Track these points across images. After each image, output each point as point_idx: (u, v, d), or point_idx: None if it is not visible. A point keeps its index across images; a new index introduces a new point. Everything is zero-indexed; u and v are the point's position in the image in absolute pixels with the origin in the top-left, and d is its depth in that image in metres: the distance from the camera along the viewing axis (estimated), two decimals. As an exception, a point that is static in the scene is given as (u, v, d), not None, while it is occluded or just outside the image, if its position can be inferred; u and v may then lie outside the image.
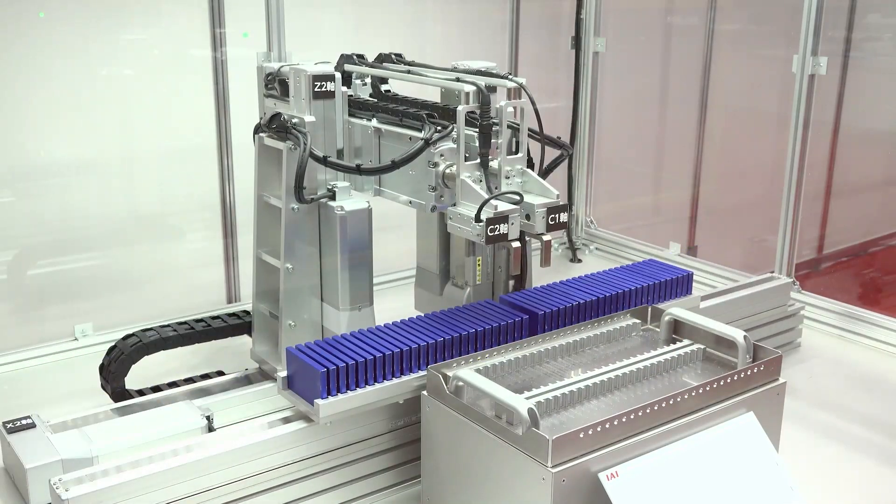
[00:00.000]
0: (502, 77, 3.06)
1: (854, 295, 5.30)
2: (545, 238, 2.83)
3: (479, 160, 2.91)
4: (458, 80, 3.03)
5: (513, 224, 2.74)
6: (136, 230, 4.18)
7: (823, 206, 5.75)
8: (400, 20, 4.93)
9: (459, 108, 2.84)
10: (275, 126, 3.12)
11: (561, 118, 5.38)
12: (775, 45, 5.23)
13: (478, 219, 2.71)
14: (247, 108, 4.11)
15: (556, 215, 2.82)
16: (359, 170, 3.01)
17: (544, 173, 3.24)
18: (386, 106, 3.24)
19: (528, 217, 2.82)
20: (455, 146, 2.95)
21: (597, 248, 5.45)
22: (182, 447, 2.57)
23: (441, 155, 2.97)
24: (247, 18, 4.15)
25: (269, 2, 3.97)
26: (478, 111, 2.91)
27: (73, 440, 2.74)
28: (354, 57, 3.47)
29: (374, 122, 3.25)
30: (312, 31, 4.50)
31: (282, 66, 3.29)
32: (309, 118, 3.07)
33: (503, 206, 2.74)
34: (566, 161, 3.47)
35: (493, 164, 2.92)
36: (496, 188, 2.90)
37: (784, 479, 2.54)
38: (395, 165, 2.97)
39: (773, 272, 4.28)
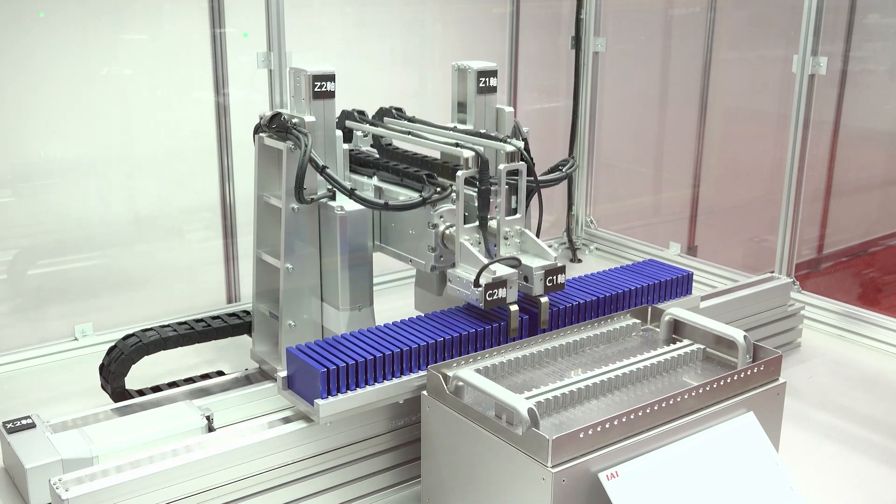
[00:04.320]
0: (501, 140, 3.13)
1: (854, 295, 5.30)
2: (543, 300, 2.92)
3: (478, 223, 3.00)
4: (457, 145, 3.08)
5: (511, 288, 2.82)
6: (136, 230, 4.18)
7: (823, 206, 5.75)
8: (400, 20, 4.93)
9: (458, 173, 2.91)
10: (275, 126, 3.12)
11: (561, 118, 5.38)
12: (775, 45, 5.23)
13: (477, 284, 2.79)
14: (247, 109, 4.12)
15: (555, 277, 2.91)
16: (351, 193, 3.02)
17: (545, 173, 3.27)
18: (387, 164, 3.30)
19: (525, 279, 2.91)
20: (454, 207, 3.04)
21: (597, 248, 5.45)
22: (182, 447, 2.57)
23: (441, 216, 3.06)
24: (247, 18, 4.16)
25: (269, 2, 3.97)
26: (477, 175, 2.97)
27: (73, 440, 2.74)
28: (355, 113, 3.51)
29: (375, 181, 3.31)
30: (312, 31, 4.51)
31: (282, 114, 3.21)
32: (309, 118, 3.07)
33: (502, 271, 2.82)
34: (566, 162, 3.48)
35: (493, 223, 3.00)
36: (495, 247, 2.99)
37: (784, 479, 2.54)
38: (388, 207, 3.03)
39: (773, 272, 4.28)
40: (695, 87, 5.51)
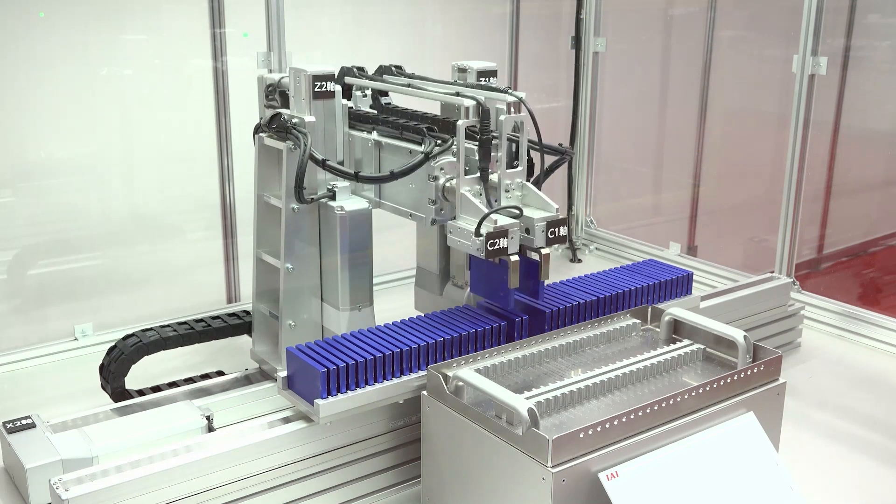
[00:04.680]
0: (502, 91, 3.07)
1: (854, 295, 5.29)
2: (544, 251, 2.85)
3: (479, 174, 2.93)
4: (457, 94, 3.01)
5: (512, 238, 2.76)
6: (136, 230, 4.18)
7: (823, 206, 5.75)
8: (400, 20, 4.93)
9: (459, 122, 2.85)
10: (275, 126, 3.12)
11: (561, 118, 5.38)
12: (775, 45, 5.23)
13: (478, 233, 2.73)
14: (247, 109, 4.11)
15: (556, 229, 2.83)
16: (356, 177, 3.01)
17: (545, 174, 3.24)
18: (386, 119, 3.25)
19: (527, 231, 2.83)
20: (454, 159, 2.98)
21: (597, 248, 5.45)
22: (182, 447, 2.57)
23: (441, 168, 3.00)
24: (247, 18, 4.16)
25: (269, 2, 3.97)
26: (477, 125, 2.92)
27: (73, 440, 2.74)
28: (354, 69, 3.46)
29: (375, 135, 3.27)
30: (312, 31, 4.51)
31: (282, 78, 3.28)
32: (309, 118, 3.07)
33: (503, 221, 2.76)
34: (566, 162, 3.47)
35: (493, 177, 2.94)
36: (496, 202, 2.92)
37: (784, 479, 2.54)
38: (393, 176, 2.99)
39: (773, 272, 4.28)
40: (695, 87, 5.51)
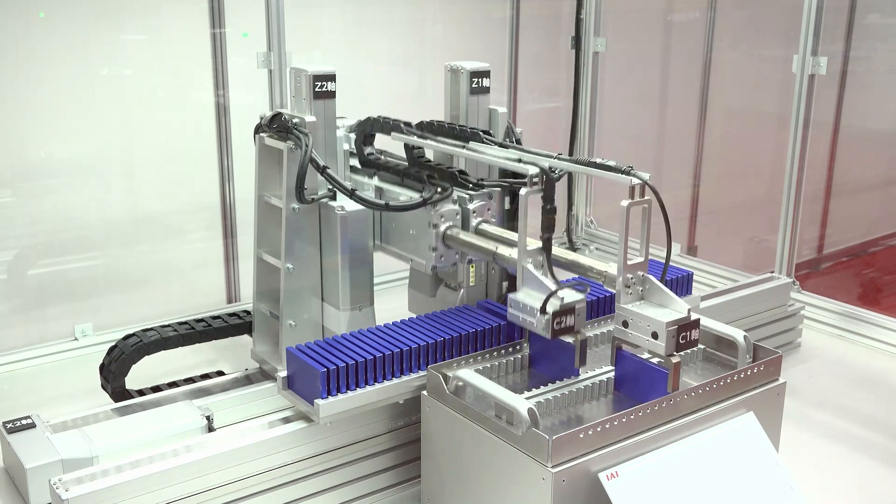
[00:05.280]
0: (623, 172, 2.65)
1: (854, 295, 5.30)
2: (674, 360, 2.47)
3: (541, 245, 2.70)
4: (520, 160, 2.77)
5: (579, 316, 2.58)
6: (136, 230, 4.18)
7: (823, 206, 5.75)
8: (400, 20, 4.93)
9: (522, 191, 2.62)
10: (276, 126, 3.12)
11: (561, 118, 5.38)
12: (775, 45, 5.23)
13: (543, 310, 2.55)
14: (246, 109, 4.12)
15: (688, 333, 2.47)
16: (351, 194, 3.01)
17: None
18: (387, 164, 3.28)
19: (654, 335, 2.47)
20: (455, 207, 3.05)
21: (597, 248, 5.44)
22: (182, 447, 2.57)
23: (442, 216, 3.03)
24: (247, 18, 4.16)
25: (269, 2, 3.97)
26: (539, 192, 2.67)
27: (73, 440, 2.74)
28: (402, 126, 3.21)
29: (376, 181, 3.30)
30: (312, 31, 4.51)
31: (282, 114, 3.17)
32: (310, 118, 3.07)
33: (570, 297, 2.57)
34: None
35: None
36: (556, 276, 2.73)
37: (784, 479, 2.54)
38: (388, 207, 3.02)
39: (773, 272, 4.28)
40: (695, 87, 5.52)
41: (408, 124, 3.25)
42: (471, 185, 3.17)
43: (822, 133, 5.48)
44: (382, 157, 3.43)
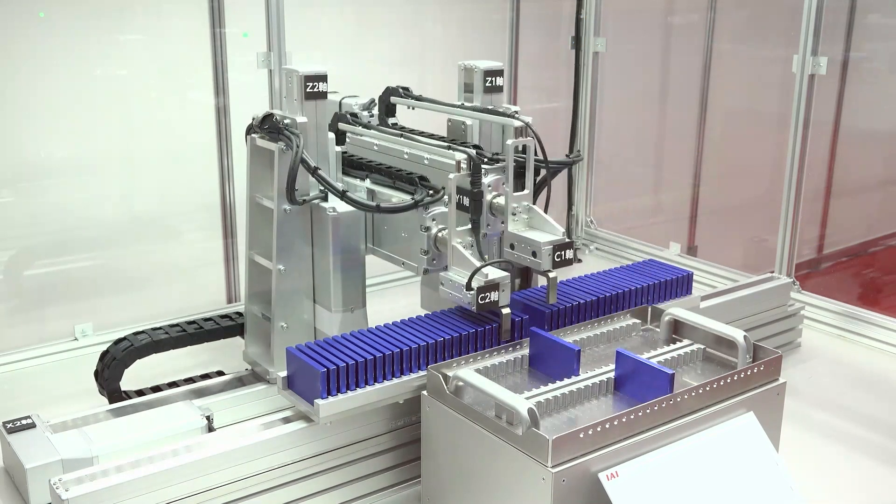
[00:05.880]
0: (509, 116, 3.11)
1: (854, 295, 5.30)
2: (551, 275, 2.87)
3: (470, 226, 2.95)
4: (449, 147, 3.06)
5: (503, 291, 2.79)
6: (136, 230, 4.18)
7: (823, 206, 5.76)
8: (400, 20, 4.93)
9: (451, 176, 2.89)
10: (267, 127, 3.12)
11: (561, 118, 5.38)
12: (775, 45, 5.23)
13: (469, 286, 2.77)
14: (246, 109, 4.11)
15: (563, 252, 2.86)
16: (343, 195, 3.01)
17: (550, 175, 3.26)
18: (380, 167, 3.29)
19: (534, 254, 2.87)
20: (446, 209, 3.02)
21: (597, 248, 5.45)
22: (182, 447, 2.57)
23: (433, 219, 3.04)
24: (247, 18, 4.16)
25: (269, 2, 3.97)
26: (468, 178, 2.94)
27: (73, 440, 2.74)
28: (347, 115, 3.46)
29: (368, 183, 3.30)
30: (312, 31, 4.51)
31: (274, 114, 3.21)
32: (301, 119, 3.06)
33: (494, 274, 2.78)
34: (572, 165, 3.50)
35: (500, 200, 2.97)
36: (486, 256, 2.98)
37: (784, 479, 2.54)
38: (379, 209, 3.03)
39: (773, 272, 4.28)
40: (695, 87, 5.52)
41: (406, 88, 3.54)
42: (485, 160, 3.18)
43: (822, 133, 5.48)
44: (356, 156, 3.47)
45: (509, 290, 2.82)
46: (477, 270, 2.78)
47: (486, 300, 2.77)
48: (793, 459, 2.72)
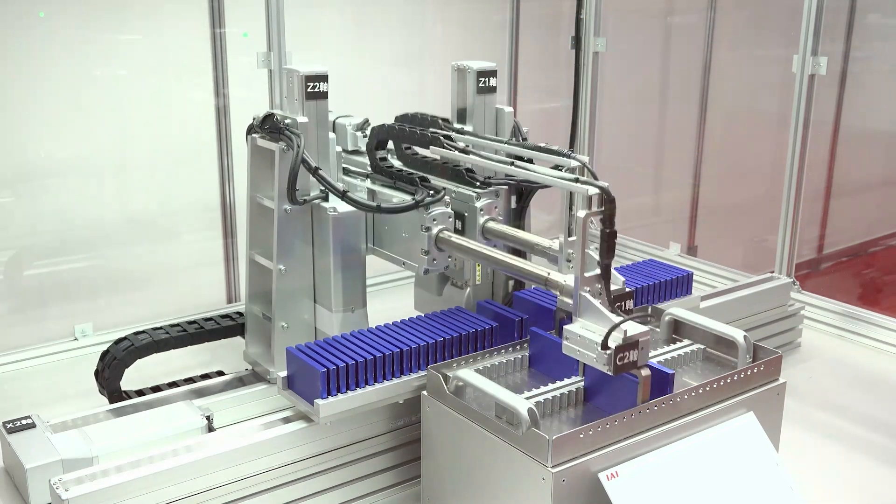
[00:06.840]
0: (564, 155, 2.80)
1: (854, 295, 5.30)
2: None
3: (599, 272, 2.51)
4: (577, 180, 2.62)
5: (642, 349, 2.38)
6: (136, 230, 4.18)
7: (823, 206, 5.76)
8: (400, 20, 4.93)
9: (581, 213, 2.47)
10: (268, 127, 3.12)
11: (561, 118, 5.38)
12: (775, 45, 5.24)
13: (605, 346, 2.34)
14: (247, 109, 4.11)
15: (623, 303, 2.57)
16: (343, 195, 3.01)
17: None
18: (381, 167, 3.28)
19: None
20: (447, 210, 3.02)
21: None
22: (182, 447, 2.57)
23: (434, 219, 3.02)
24: (247, 18, 4.16)
25: (269, 2, 3.97)
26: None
27: (73, 440, 2.74)
28: (437, 132, 3.16)
29: (368, 183, 3.29)
30: (312, 31, 4.51)
31: (274, 114, 3.17)
32: (302, 119, 3.07)
33: (633, 330, 2.36)
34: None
35: (554, 244, 2.78)
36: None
37: (784, 479, 2.54)
38: (380, 209, 3.02)
39: (773, 272, 4.28)
40: (695, 87, 5.52)
41: (445, 120, 3.31)
42: (478, 184, 3.18)
43: (822, 133, 5.48)
44: (394, 166, 3.34)
45: (648, 349, 2.39)
46: (615, 327, 2.34)
47: (625, 360, 2.35)
48: (793, 459, 2.72)
